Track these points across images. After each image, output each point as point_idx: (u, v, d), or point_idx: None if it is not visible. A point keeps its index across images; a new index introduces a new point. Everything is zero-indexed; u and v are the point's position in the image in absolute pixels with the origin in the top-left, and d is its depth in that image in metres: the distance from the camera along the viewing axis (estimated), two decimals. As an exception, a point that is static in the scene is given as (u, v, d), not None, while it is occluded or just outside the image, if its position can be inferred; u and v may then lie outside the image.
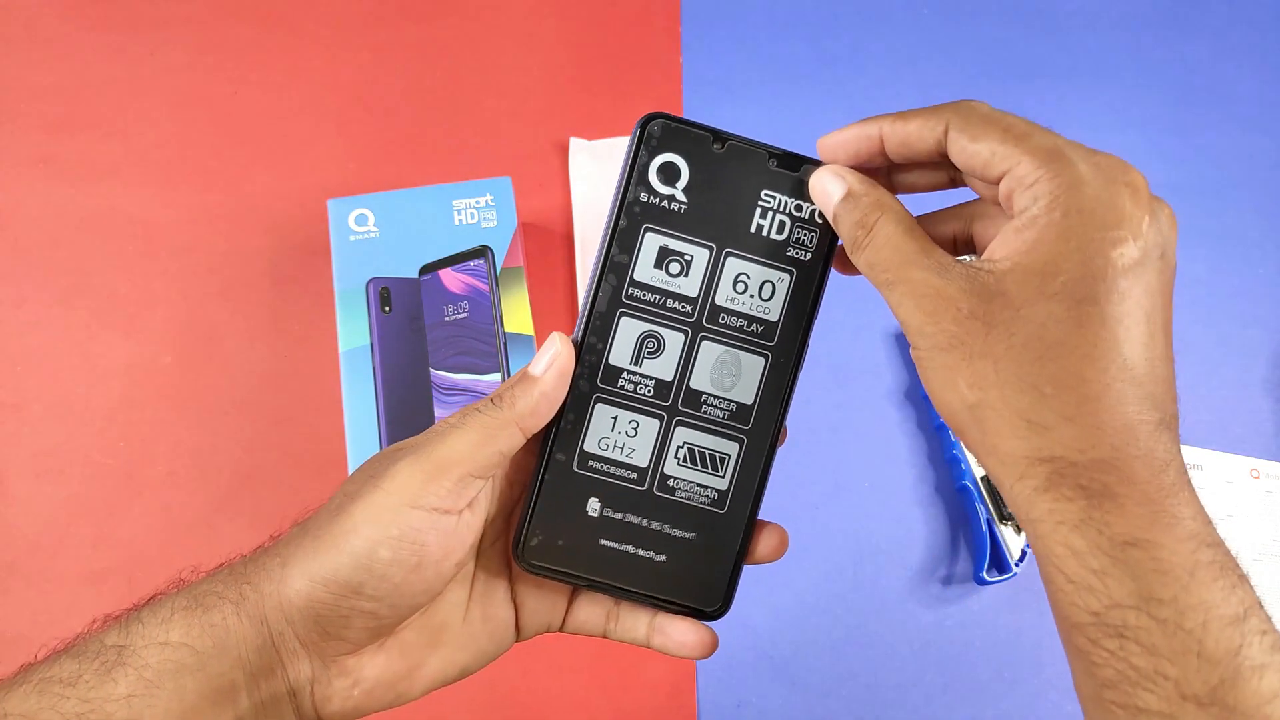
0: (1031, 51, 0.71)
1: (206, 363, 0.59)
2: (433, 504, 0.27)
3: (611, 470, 0.31)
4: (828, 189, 0.29)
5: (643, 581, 0.31)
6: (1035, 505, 0.24)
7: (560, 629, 0.33)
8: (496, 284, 0.55)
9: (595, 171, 0.64)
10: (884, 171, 0.31)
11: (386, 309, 0.55)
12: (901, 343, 0.63)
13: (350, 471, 0.52)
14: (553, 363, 0.29)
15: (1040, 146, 0.25)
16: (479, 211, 0.57)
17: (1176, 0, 0.73)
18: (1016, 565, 0.56)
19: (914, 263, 0.26)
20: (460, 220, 0.56)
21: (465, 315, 0.55)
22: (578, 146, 0.65)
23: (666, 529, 0.31)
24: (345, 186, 0.60)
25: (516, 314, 0.55)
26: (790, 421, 0.32)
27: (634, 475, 0.31)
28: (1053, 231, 0.25)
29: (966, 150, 0.26)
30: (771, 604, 0.57)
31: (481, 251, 0.56)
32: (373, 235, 0.56)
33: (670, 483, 0.31)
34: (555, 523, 0.31)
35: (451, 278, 0.55)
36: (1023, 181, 0.25)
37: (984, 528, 0.57)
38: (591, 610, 0.33)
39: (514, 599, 0.32)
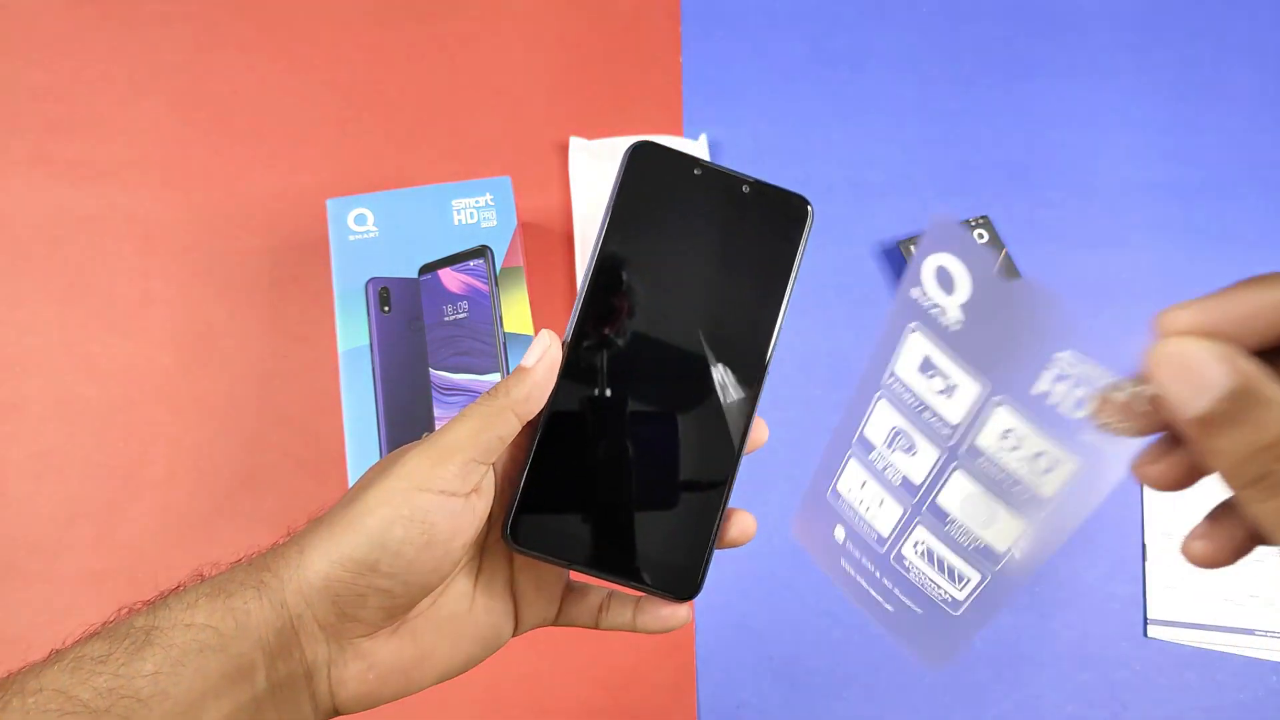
0: (1032, 50, 0.71)
1: (205, 363, 0.59)
2: (440, 487, 0.29)
3: (589, 458, 0.33)
4: (1204, 375, 0.19)
5: (621, 567, 0.33)
6: None
7: (554, 622, 0.35)
8: (496, 284, 0.55)
9: (595, 171, 0.64)
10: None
11: (386, 309, 0.55)
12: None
13: (350, 471, 0.52)
14: (543, 356, 0.31)
15: None
16: (478, 211, 0.57)
17: (1177, 0, 0.73)
18: (1017, 565, 0.56)
19: None
20: (460, 220, 0.56)
21: (465, 315, 0.55)
22: (577, 146, 0.65)
23: (643, 517, 0.33)
24: (344, 186, 0.60)
25: (516, 314, 0.55)
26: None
27: (612, 463, 0.33)
28: None
29: None
30: (772, 605, 0.57)
31: (481, 251, 0.56)
32: (372, 235, 0.56)
33: (642, 472, 0.33)
34: (542, 506, 0.33)
35: (451, 278, 0.55)
36: None
37: (984, 528, 0.56)
38: (584, 605, 0.35)
39: (513, 592, 0.34)
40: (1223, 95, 0.71)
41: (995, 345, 0.26)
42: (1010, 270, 0.64)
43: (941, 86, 0.69)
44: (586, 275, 0.33)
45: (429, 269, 0.55)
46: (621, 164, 0.33)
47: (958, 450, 0.28)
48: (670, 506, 0.33)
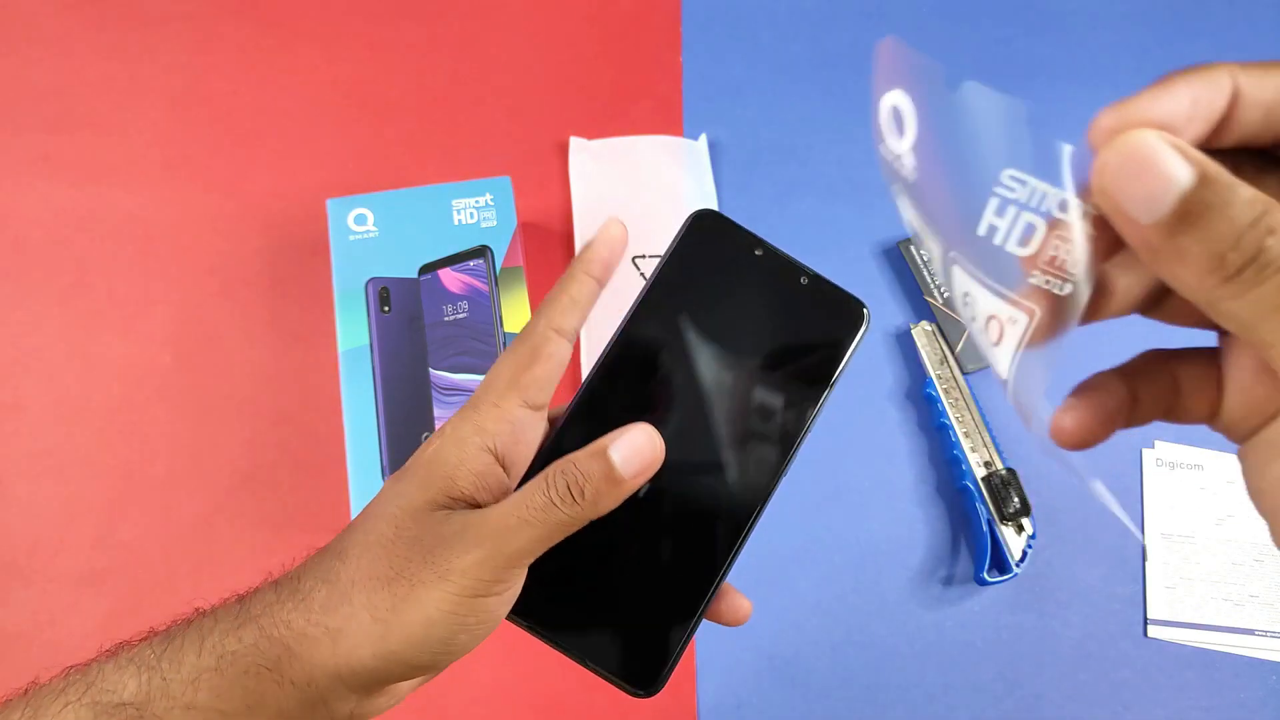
0: (1032, 51, 0.71)
1: (205, 363, 0.59)
2: (503, 589, 0.28)
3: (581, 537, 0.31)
4: (1162, 166, 0.17)
5: (582, 647, 0.31)
6: None
7: None
8: (496, 284, 0.55)
9: (595, 171, 0.64)
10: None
11: (386, 309, 0.55)
12: (903, 342, 0.62)
13: (350, 471, 0.51)
14: (644, 468, 0.27)
15: None
16: (478, 211, 0.57)
17: (1177, 0, 0.73)
18: (1017, 565, 0.56)
19: None
20: (460, 220, 0.56)
21: (465, 315, 0.55)
22: (578, 146, 0.65)
23: (619, 602, 0.31)
24: (344, 186, 0.60)
25: (516, 314, 0.55)
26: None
27: (597, 544, 0.31)
28: None
29: (1265, 92, 0.18)
30: (772, 605, 0.57)
31: (481, 251, 0.56)
32: (372, 235, 0.56)
33: (625, 557, 0.31)
34: (541, 588, 0.31)
35: (451, 278, 0.55)
36: None
37: (985, 528, 0.56)
38: None
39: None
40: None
41: (944, 185, 0.21)
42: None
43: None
44: (618, 333, 0.31)
45: (429, 269, 0.55)
46: (681, 228, 0.31)
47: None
48: (648, 599, 0.31)
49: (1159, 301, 0.22)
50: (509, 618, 0.30)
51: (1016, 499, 0.56)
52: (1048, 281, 0.19)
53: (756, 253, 0.31)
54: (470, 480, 0.29)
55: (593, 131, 0.65)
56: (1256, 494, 0.22)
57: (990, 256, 0.20)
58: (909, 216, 0.23)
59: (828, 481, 0.59)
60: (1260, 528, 0.59)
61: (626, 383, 0.31)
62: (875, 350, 0.63)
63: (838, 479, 0.59)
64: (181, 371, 0.59)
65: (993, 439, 0.58)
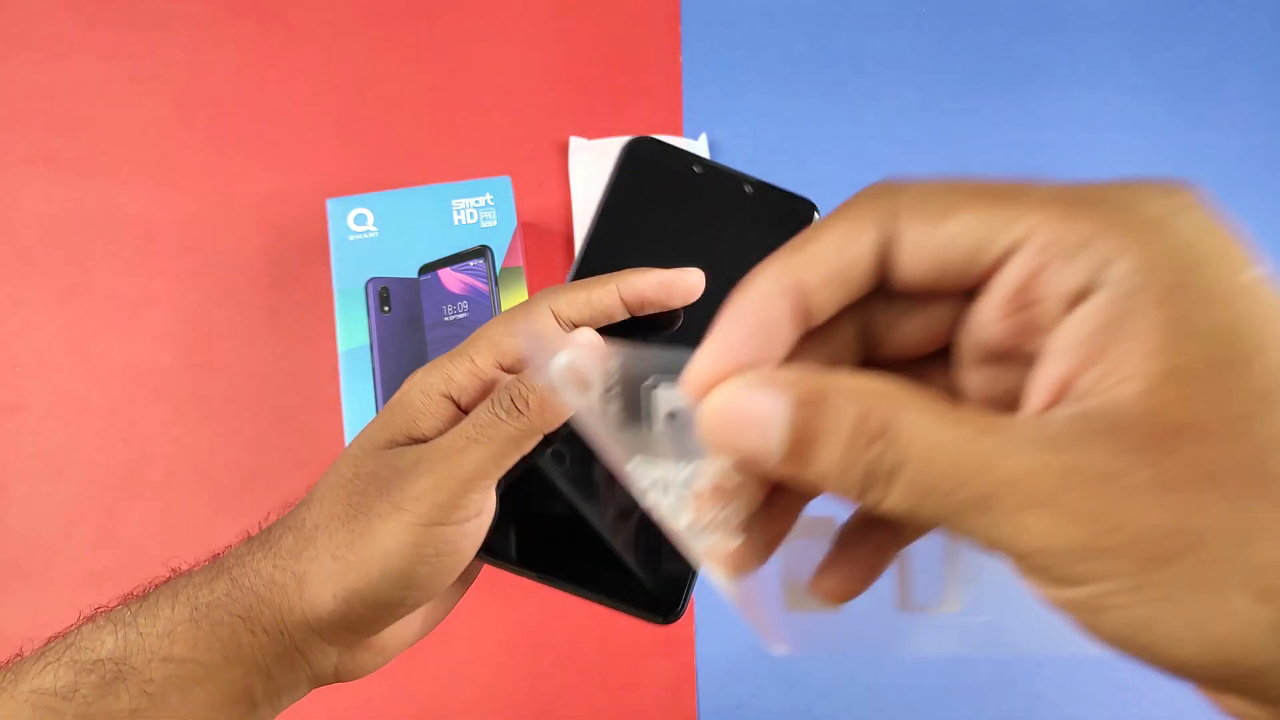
0: (1032, 51, 0.71)
1: (205, 363, 0.59)
2: (462, 517, 0.27)
3: (575, 476, 0.31)
4: (753, 412, 0.16)
5: (596, 582, 0.30)
6: None
7: None
8: (496, 284, 0.55)
9: (595, 171, 0.64)
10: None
11: (386, 309, 0.55)
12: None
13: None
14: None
15: (1047, 198, 0.15)
16: (478, 211, 0.57)
17: (1177, 0, 0.73)
18: (1017, 565, 0.56)
19: (999, 448, 0.14)
20: (460, 220, 0.56)
21: (465, 315, 0.55)
22: (578, 146, 0.65)
23: (624, 531, 0.31)
24: (344, 186, 0.60)
25: (516, 314, 0.55)
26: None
27: (590, 473, 0.31)
28: (1180, 300, 0.14)
29: (933, 241, 0.16)
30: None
31: (481, 251, 0.56)
32: (372, 235, 0.56)
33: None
34: (516, 513, 0.30)
35: (451, 277, 0.55)
36: (1061, 246, 0.15)
37: (984, 528, 0.56)
38: None
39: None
40: (1222, 97, 0.71)
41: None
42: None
43: (941, 87, 0.69)
44: (573, 272, 0.31)
45: (429, 269, 0.55)
46: (618, 159, 0.31)
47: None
48: (654, 526, 0.29)
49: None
50: (523, 572, 0.30)
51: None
52: (719, 544, 0.18)
53: (695, 169, 0.31)
54: (431, 423, 0.28)
55: (593, 131, 0.65)
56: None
57: (674, 536, 0.19)
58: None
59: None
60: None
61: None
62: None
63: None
64: (181, 371, 0.59)
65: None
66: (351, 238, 0.56)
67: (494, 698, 0.54)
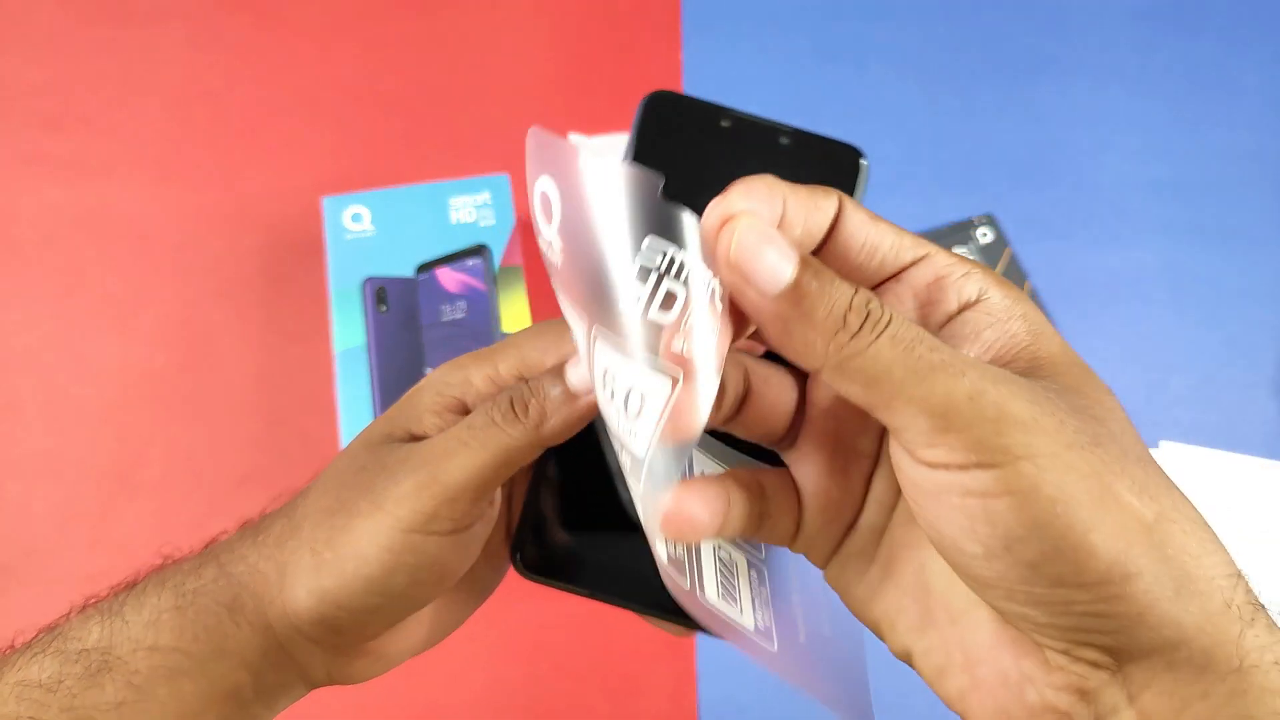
0: (1037, 47, 0.70)
1: (201, 363, 0.59)
2: (447, 529, 0.25)
3: (604, 468, 0.28)
4: (780, 243, 0.19)
5: (640, 594, 0.28)
6: (1246, 640, 0.18)
7: None
8: (494, 283, 0.55)
9: (594, 169, 0.64)
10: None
11: (383, 308, 0.54)
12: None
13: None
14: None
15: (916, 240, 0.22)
16: (476, 209, 0.56)
17: (1183, -6, 0.73)
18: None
19: (961, 358, 0.19)
20: (457, 218, 0.56)
21: (463, 315, 0.54)
22: (577, 143, 0.64)
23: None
24: (340, 184, 0.60)
25: (515, 314, 0.54)
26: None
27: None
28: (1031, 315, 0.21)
29: (868, 230, 0.22)
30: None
31: (479, 250, 0.55)
32: (368, 234, 0.55)
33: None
34: (552, 526, 0.29)
35: (449, 277, 0.55)
36: (953, 269, 0.21)
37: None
38: None
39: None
40: (1228, 93, 0.70)
41: (588, 259, 0.21)
42: (1014, 268, 0.63)
43: (944, 84, 0.69)
44: None
45: (426, 268, 0.55)
46: (636, 118, 0.28)
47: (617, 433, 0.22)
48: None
49: (740, 409, 0.23)
50: (554, 584, 0.28)
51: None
52: (683, 348, 0.19)
53: (724, 124, 0.28)
54: (435, 423, 0.26)
55: (593, 128, 0.65)
56: (859, 613, 0.24)
57: (634, 327, 0.20)
58: (561, 302, 0.23)
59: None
60: (1266, 528, 0.59)
61: None
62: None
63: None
64: (176, 372, 0.59)
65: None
66: (348, 236, 0.55)
67: (493, 700, 0.54)
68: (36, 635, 0.26)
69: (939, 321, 0.21)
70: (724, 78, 0.68)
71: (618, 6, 0.69)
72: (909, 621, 0.23)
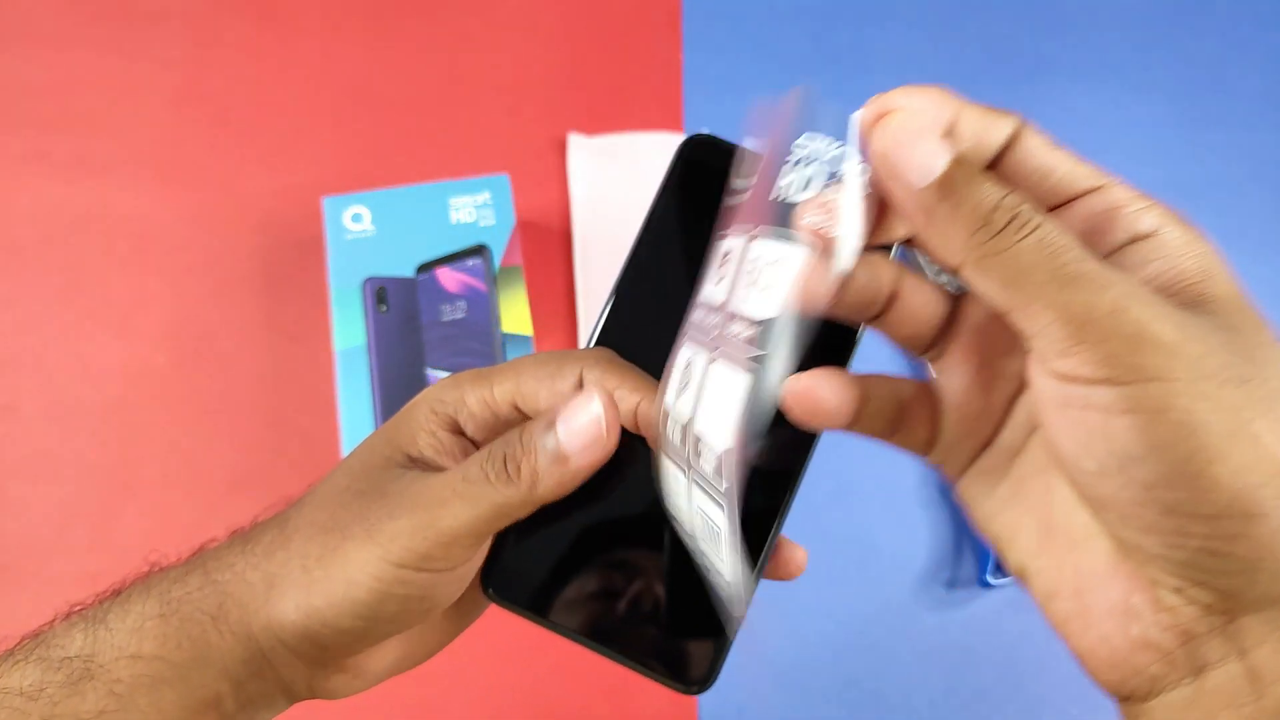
0: (1037, 48, 0.70)
1: (200, 363, 0.59)
2: (439, 567, 0.25)
3: (596, 505, 0.27)
4: (937, 136, 0.20)
5: (618, 640, 0.27)
6: None
7: None
8: (494, 283, 0.55)
9: (594, 169, 0.64)
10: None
11: (383, 308, 0.54)
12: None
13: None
14: (591, 444, 0.25)
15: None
16: (476, 209, 0.56)
17: (1183, -5, 0.73)
18: (1021, 568, 0.55)
19: (1112, 272, 0.19)
20: (457, 218, 0.56)
21: (463, 315, 0.54)
22: (577, 143, 0.64)
23: (655, 584, 0.27)
24: (341, 184, 0.59)
25: (515, 314, 0.54)
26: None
27: (621, 512, 0.27)
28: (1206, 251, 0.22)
29: (1044, 155, 0.21)
30: (773, 607, 0.56)
31: (479, 250, 0.55)
32: (368, 233, 0.55)
33: (659, 527, 0.27)
34: (531, 555, 0.27)
35: (449, 277, 0.55)
36: (1131, 202, 0.21)
37: (988, 530, 0.56)
38: None
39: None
40: (1227, 94, 0.70)
41: (763, 178, 0.23)
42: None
43: (945, 85, 0.69)
44: (615, 284, 0.28)
45: (426, 268, 0.55)
46: (673, 158, 0.28)
47: (722, 334, 0.23)
48: (689, 580, 0.26)
49: (884, 310, 0.24)
50: (541, 622, 0.28)
51: (1020, 500, 0.56)
52: (822, 223, 0.21)
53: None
54: (429, 443, 0.26)
55: (592, 128, 0.65)
56: (982, 527, 0.24)
57: (779, 213, 0.22)
58: (723, 249, 0.24)
59: (829, 483, 0.59)
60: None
61: (632, 330, 0.28)
62: (878, 351, 0.62)
63: (840, 481, 0.59)
64: (176, 372, 0.58)
65: (996, 440, 0.58)
66: (348, 236, 0.55)
67: (493, 700, 0.54)
68: (20, 642, 0.26)
69: (1105, 251, 0.21)
70: (724, 78, 0.68)
71: (618, 6, 0.69)
72: (1028, 542, 0.22)
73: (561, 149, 0.64)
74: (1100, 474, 0.19)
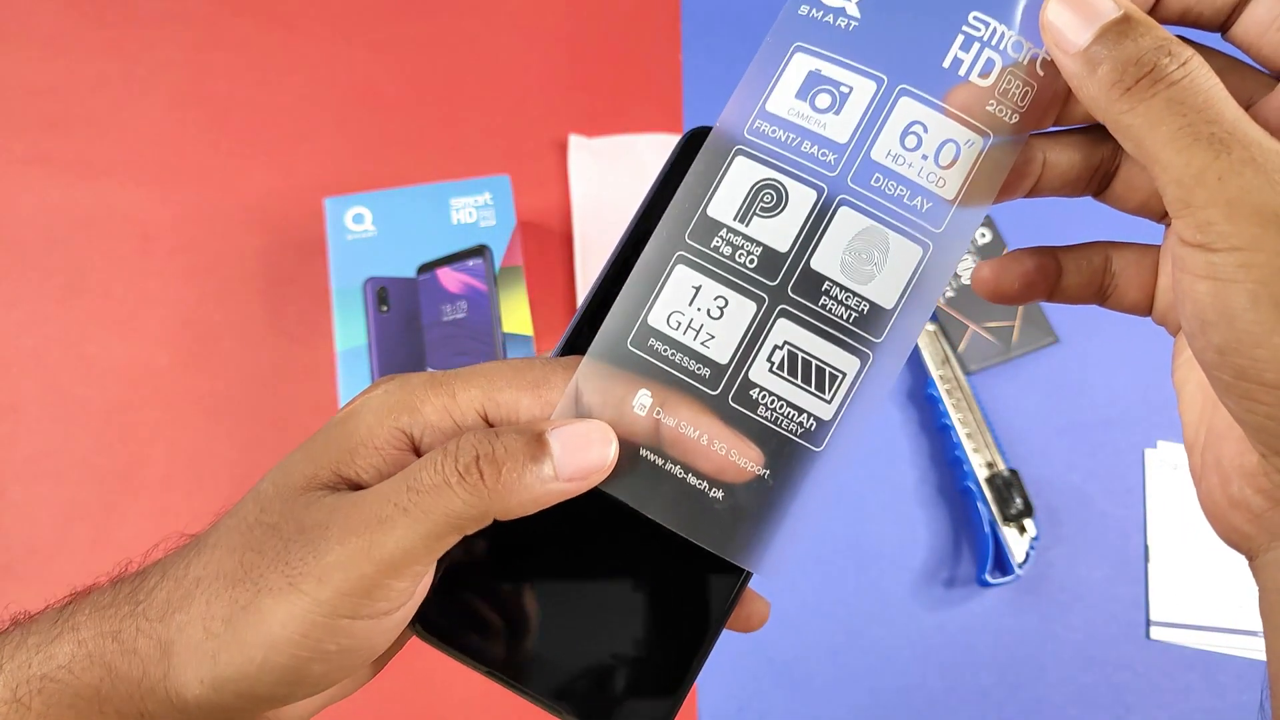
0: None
1: (202, 363, 0.59)
2: (377, 611, 0.20)
3: (541, 533, 0.24)
4: (1071, 23, 0.20)
5: (548, 687, 0.24)
6: None
7: None
8: (495, 283, 0.55)
9: (595, 170, 0.64)
10: None
11: (384, 308, 0.54)
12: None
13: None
14: (590, 476, 0.21)
15: None
16: (477, 210, 0.56)
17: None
18: (1019, 567, 0.55)
19: (1241, 133, 0.19)
20: (458, 219, 0.56)
21: (463, 315, 0.54)
22: (577, 144, 0.64)
23: (600, 628, 0.24)
24: (342, 185, 0.60)
25: (515, 314, 0.55)
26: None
27: (567, 542, 0.24)
28: None
29: None
30: (772, 607, 0.56)
31: (480, 251, 0.55)
32: (370, 234, 0.55)
33: (607, 559, 0.25)
34: (466, 588, 0.24)
35: (450, 277, 0.55)
36: None
37: (986, 529, 0.56)
38: None
39: None
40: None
41: (899, 29, 0.23)
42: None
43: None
44: (603, 270, 0.26)
45: (427, 268, 0.55)
46: (674, 149, 0.28)
47: (845, 178, 0.23)
48: (649, 628, 0.24)
49: (1106, 184, 0.24)
50: (468, 662, 0.24)
51: (1019, 500, 0.56)
52: (1000, 110, 0.22)
53: None
54: (371, 462, 0.22)
55: (593, 129, 0.65)
56: (1173, 379, 0.25)
57: (953, 87, 0.23)
58: (808, 69, 0.25)
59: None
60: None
61: None
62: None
63: (838, 480, 0.59)
64: (178, 372, 0.59)
65: (995, 440, 0.58)
66: (349, 237, 0.55)
67: (494, 700, 0.54)
68: None
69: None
70: (724, 79, 0.68)
71: (618, 8, 0.69)
72: (1190, 398, 0.23)
73: (562, 150, 0.65)
74: (1189, 335, 0.19)
